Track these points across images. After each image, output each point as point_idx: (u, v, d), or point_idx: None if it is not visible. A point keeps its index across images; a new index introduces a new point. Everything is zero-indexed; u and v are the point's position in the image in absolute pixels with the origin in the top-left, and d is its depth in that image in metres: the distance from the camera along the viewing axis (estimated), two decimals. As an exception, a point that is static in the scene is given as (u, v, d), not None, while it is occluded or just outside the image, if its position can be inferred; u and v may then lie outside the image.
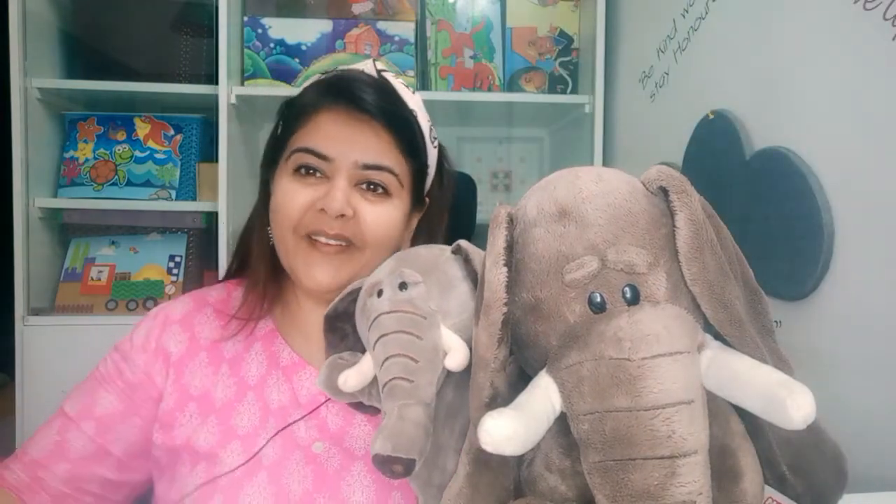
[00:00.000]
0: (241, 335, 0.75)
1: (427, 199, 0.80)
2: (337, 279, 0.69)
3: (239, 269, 0.83)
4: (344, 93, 0.69)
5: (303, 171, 0.69)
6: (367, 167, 0.69)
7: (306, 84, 0.75)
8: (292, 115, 0.73)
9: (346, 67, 0.74)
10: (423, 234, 0.79)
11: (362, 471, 0.69)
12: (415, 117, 0.72)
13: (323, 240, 0.68)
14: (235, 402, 0.71)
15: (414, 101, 0.73)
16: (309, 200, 0.68)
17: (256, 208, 0.79)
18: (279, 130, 0.75)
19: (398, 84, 0.73)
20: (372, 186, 0.70)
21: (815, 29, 0.89)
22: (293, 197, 0.69)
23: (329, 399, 0.67)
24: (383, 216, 0.70)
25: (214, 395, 0.72)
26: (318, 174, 0.69)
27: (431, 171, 0.78)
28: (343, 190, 0.67)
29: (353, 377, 0.55)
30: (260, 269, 0.76)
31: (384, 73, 0.73)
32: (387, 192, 0.71)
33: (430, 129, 0.75)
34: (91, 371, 0.76)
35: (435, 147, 0.77)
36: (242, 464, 0.67)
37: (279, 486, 0.67)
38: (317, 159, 0.68)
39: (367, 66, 0.73)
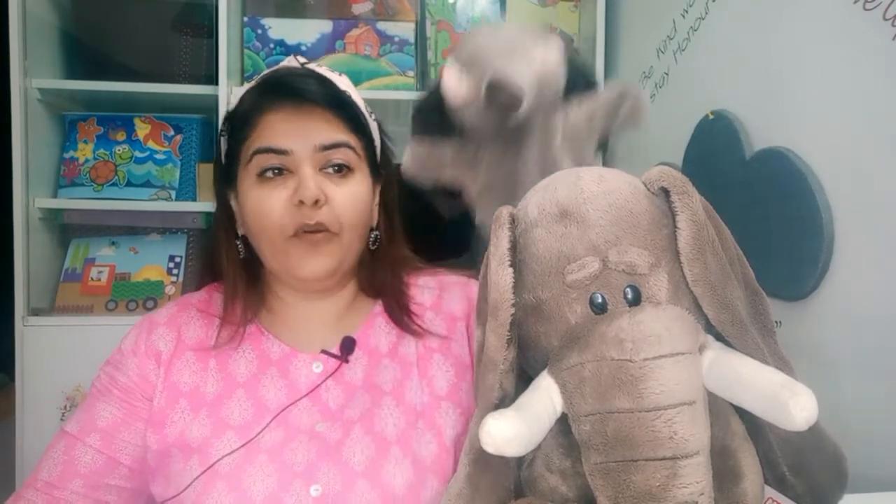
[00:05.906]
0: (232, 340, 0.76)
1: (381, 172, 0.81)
2: (328, 266, 0.71)
3: (213, 280, 0.83)
4: (284, 90, 0.71)
5: (268, 173, 0.71)
6: (326, 147, 0.71)
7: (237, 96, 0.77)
8: (238, 126, 0.74)
9: (273, 68, 0.77)
10: (380, 206, 0.81)
11: (359, 433, 0.70)
12: (349, 97, 0.75)
13: (307, 231, 0.70)
14: (225, 398, 0.72)
15: (344, 83, 0.76)
16: (284, 199, 0.70)
17: (218, 225, 0.79)
18: (227, 145, 0.76)
19: (325, 70, 0.76)
20: (336, 167, 0.72)
21: (815, 29, 0.89)
22: (267, 202, 0.70)
23: (329, 377, 0.71)
24: (352, 195, 0.72)
25: (205, 389, 0.73)
26: (281, 173, 0.71)
27: (377, 144, 0.80)
28: (311, 177, 0.69)
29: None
30: (235, 282, 0.77)
31: (307, 66, 0.76)
32: (350, 169, 0.73)
33: (365, 106, 0.78)
34: (87, 391, 0.77)
35: (374, 121, 0.80)
36: (244, 444, 0.68)
37: (282, 462, 0.68)
38: (277, 156, 0.70)
39: (291, 62, 0.76)
